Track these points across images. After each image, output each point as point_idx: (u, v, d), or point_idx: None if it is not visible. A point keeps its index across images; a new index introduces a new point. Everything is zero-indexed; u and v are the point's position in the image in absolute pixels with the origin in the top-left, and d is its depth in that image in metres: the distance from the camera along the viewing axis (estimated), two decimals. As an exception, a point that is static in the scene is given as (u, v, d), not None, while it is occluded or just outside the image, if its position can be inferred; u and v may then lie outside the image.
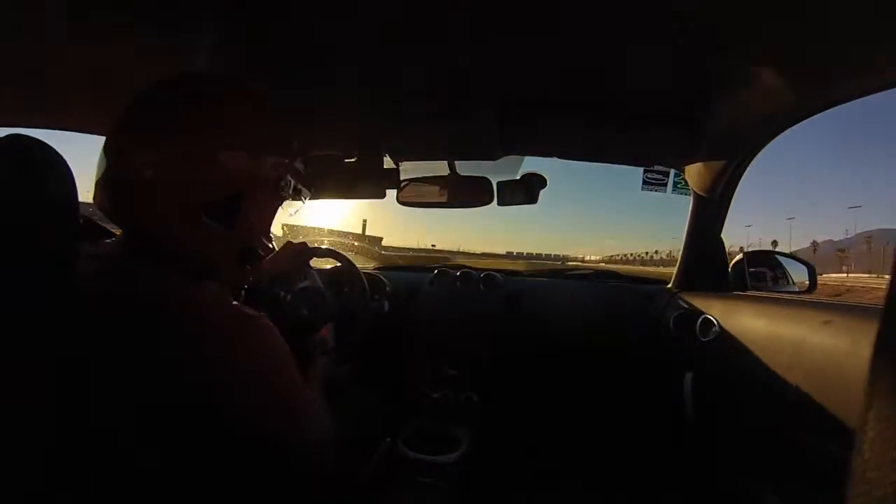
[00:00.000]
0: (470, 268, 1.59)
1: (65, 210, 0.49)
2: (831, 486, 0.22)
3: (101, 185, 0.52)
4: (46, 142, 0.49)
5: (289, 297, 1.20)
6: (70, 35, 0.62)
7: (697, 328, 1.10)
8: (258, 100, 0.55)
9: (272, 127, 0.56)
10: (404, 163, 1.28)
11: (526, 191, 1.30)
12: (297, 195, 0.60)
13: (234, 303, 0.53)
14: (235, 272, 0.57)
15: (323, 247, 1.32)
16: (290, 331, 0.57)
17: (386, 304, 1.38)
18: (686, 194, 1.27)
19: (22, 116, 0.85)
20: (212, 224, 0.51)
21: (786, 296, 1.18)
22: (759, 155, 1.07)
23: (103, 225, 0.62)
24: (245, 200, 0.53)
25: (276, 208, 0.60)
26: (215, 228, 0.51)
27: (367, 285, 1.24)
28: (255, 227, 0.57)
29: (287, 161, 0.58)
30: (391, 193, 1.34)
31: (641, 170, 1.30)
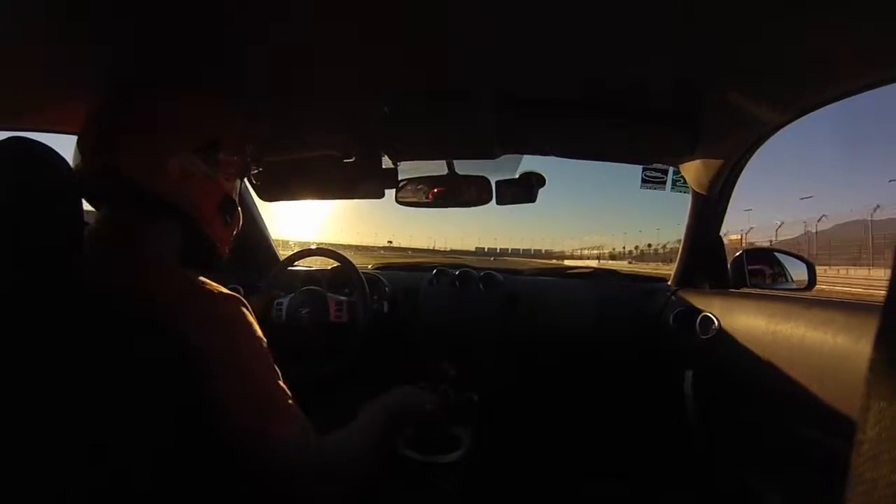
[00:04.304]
0: (470, 267, 1.59)
1: (67, 210, 0.50)
2: (831, 485, 0.22)
3: (90, 169, 0.56)
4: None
5: (286, 299, 1.20)
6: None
7: (697, 326, 1.10)
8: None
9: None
10: (403, 162, 1.28)
11: (524, 189, 1.30)
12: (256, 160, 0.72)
13: (211, 283, 0.56)
14: (218, 224, 0.62)
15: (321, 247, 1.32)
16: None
17: (385, 304, 1.38)
18: (685, 192, 1.27)
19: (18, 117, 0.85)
20: (198, 165, 0.57)
21: (785, 293, 1.19)
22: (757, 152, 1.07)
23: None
24: (221, 147, 0.60)
25: (242, 169, 0.67)
26: (200, 170, 0.58)
27: (366, 286, 1.24)
28: (231, 179, 0.63)
29: (243, 127, 0.67)
30: (390, 193, 1.34)
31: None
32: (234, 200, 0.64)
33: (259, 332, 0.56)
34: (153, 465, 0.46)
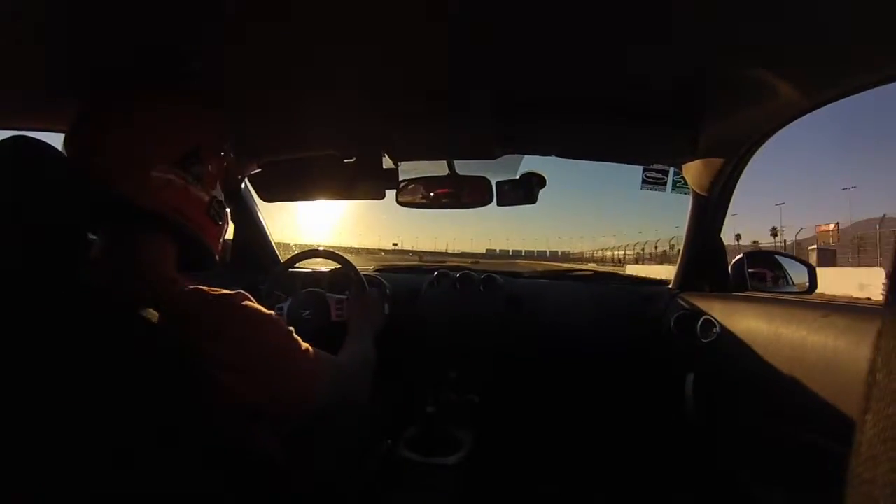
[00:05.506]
0: (471, 269, 1.59)
1: (69, 210, 0.50)
2: (831, 486, 0.22)
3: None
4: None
5: (287, 303, 1.21)
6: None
7: (698, 329, 1.09)
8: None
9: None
10: (403, 163, 1.28)
11: (525, 190, 1.30)
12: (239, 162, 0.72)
13: (209, 288, 0.56)
14: (209, 227, 0.62)
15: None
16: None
17: (386, 306, 1.38)
18: (685, 193, 1.27)
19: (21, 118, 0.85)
20: (183, 174, 0.57)
21: (786, 296, 1.18)
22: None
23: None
24: (202, 154, 0.59)
25: (224, 169, 0.66)
26: (186, 180, 0.57)
27: (367, 285, 1.23)
28: (214, 185, 0.63)
29: (222, 127, 0.66)
30: (390, 193, 1.34)
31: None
32: (221, 200, 0.64)
33: (266, 316, 0.57)
34: (163, 467, 0.46)
